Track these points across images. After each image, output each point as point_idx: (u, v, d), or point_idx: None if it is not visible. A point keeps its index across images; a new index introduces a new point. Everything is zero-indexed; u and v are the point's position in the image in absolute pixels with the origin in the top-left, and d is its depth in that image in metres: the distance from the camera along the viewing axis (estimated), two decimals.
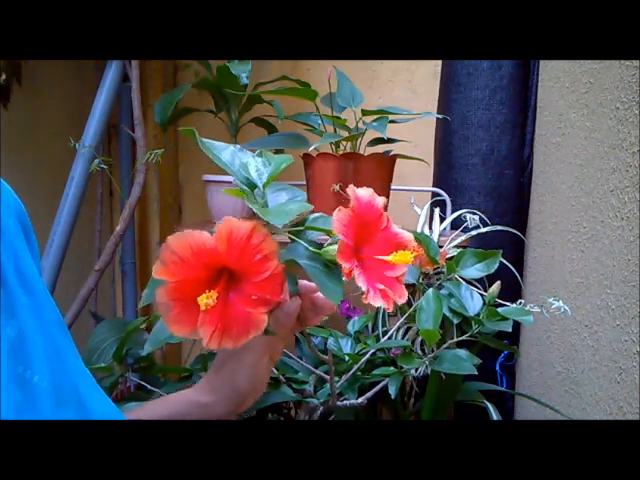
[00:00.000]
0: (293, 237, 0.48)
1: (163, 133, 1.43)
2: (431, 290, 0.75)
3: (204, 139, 0.47)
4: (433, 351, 0.76)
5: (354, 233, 0.47)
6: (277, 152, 1.37)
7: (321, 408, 0.76)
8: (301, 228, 0.49)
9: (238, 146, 0.50)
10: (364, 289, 0.45)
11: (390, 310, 0.47)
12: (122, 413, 0.46)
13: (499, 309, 0.77)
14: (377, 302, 0.46)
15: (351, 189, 0.48)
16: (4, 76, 1.29)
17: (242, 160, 0.49)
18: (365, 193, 0.50)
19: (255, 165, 0.49)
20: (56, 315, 0.43)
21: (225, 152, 0.49)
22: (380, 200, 0.51)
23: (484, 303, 0.78)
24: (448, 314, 0.77)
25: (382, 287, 0.47)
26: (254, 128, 1.39)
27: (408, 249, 0.50)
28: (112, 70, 1.23)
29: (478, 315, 0.76)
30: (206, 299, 0.42)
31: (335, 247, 0.45)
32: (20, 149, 1.38)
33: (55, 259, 1.16)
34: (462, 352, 0.74)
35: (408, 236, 0.51)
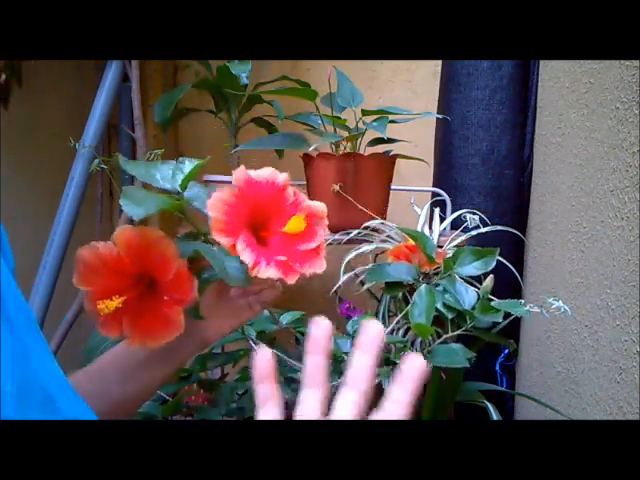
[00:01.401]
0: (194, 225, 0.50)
1: (163, 133, 1.43)
2: (424, 285, 0.74)
3: (138, 162, 0.50)
4: (429, 345, 0.76)
5: (247, 212, 0.47)
6: (277, 152, 1.38)
7: None
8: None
9: (169, 161, 0.52)
10: (249, 263, 0.45)
11: (291, 281, 0.46)
12: (93, 413, 0.46)
13: (493, 302, 0.77)
14: (267, 273, 0.45)
15: (238, 170, 0.48)
16: (4, 76, 1.29)
17: (167, 171, 0.51)
18: (262, 172, 0.50)
19: (178, 172, 0.51)
20: (24, 314, 0.43)
21: (157, 168, 0.51)
22: (282, 176, 0.50)
23: (479, 298, 0.78)
24: (442, 309, 0.76)
25: (283, 259, 0.47)
26: (254, 128, 1.39)
27: (320, 221, 0.50)
28: (112, 70, 1.23)
29: (473, 309, 0.76)
30: (107, 304, 0.45)
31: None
32: (20, 149, 1.38)
33: (55, 259, 1.16)
34: (456, 346, 0.74)
35: (320, 206, 0.51)
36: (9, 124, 1.33)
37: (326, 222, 0.51)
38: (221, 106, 1.36)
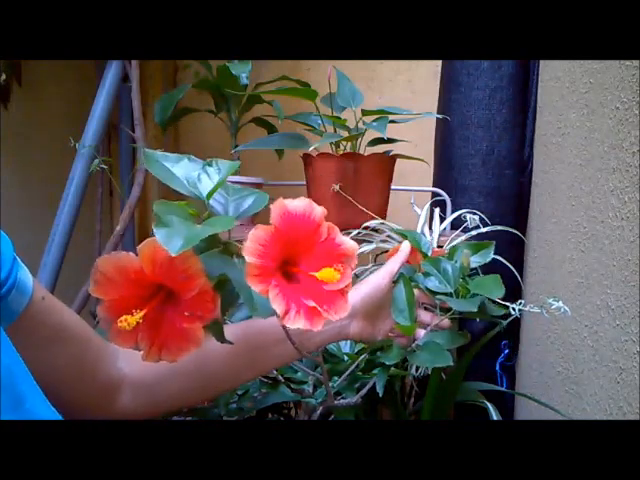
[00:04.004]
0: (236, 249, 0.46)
1: (163, 133, 1.43)
2: (400, 275, 0.71)
3: (154, 152, 0.48)
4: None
5: (279, 250, 0.45)
6: (277, 152, 1.38)
7: (320, 408, 0.75)
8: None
9: (191, 156, 0.49)
10: (279, 312, 0.43)
11: (316, 329, 0.44)
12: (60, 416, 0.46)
13: (471, 283, 0.74)
14: (297, 324, 0.43)
15: (277, 205, 0.45)
16: (4, 76, 1.29)
17: (191, 173, 0.48)
18: (299, 205, 0.47)
19: (205, 176, 0.48)
20: None
21: (179, 165, 0.48)
22: (319, 211, 0.47)
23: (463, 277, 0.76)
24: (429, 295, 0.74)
25: (312, 304, 0.45)
26: (254, 128, 1.39)
27: (350, 260, 0.48)
28: (112, 70, 1.23)
29: (457, 292, 0.74)
30: (129, 319, 0.43)
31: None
32: (20, 149, 1.38)
33: (55, 259, 1.16)
34: (445, 335, 0.72)
35: (351, 246, 0.49)
36: (9, 124, 1.33)
37: (355, 262, 0.49)
38: (221, 106, 1.36)
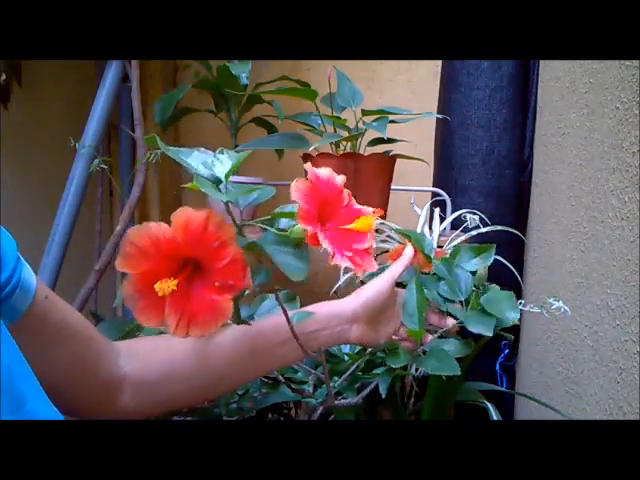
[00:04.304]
0: (263, 226, 0.50)
1: (163, 133, 1.43)
2: (414, 279, 0.71)
3: (169, 147, 0.48)
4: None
5: (315, 205, 0.49)
6: (277, 152, 1.38)
7: (320, 408, 0.75)
8: (269, 217, 0.52)
9: (202, 149, 0.51)
10: (330, 251, 0.47)
11: (359, 275, 0.50)
12: (62, 416, 0.46)
13: (483, 298, 0.74)
14: (344, 263, 0.48)
15: (308, 167, 0.50)
16: (4, 76, 1.29)
17: (205, 159, 0.50)
18: (324, 172, 0.52)
19: (218, 162, 0.50)
20: None
21: (191, 157, 0.50)
22: (340, 178, 0.53)
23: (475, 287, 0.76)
24: (439, 301, 0.74)
25: (350, 254, 0.49)
26: (254, 128, 1.39)
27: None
28: (112, 70, 1.23)
29: (468, 301, 0.74)
30: (163, 285, 0.43)
31: (300, 226, 0.47)
32: (20, 149, 1.38)
33: (55, 259, 1.16)
34: (451, 347, 0.72)
35: (369, 211, 0.54)
36: (9, 124, 1.33)
37: (375, 226, 0.53)
38: (221, 106, 1.36)
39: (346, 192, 0.53)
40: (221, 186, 0.48)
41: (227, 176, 0.48)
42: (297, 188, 0.48)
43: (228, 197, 0.46)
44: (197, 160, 0.50)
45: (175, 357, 0.58)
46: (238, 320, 0.50)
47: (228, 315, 0.45)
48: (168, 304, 0.45)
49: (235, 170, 0.49)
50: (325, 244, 0.47)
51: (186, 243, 0.44)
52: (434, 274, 0.76)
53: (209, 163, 0.49)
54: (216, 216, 0.44)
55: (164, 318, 0.46)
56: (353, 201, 0.53)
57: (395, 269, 0.69)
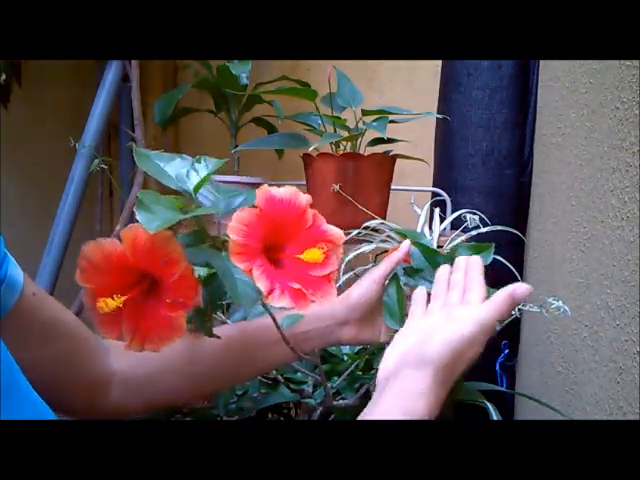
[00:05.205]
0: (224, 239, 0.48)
1: (163, 133, 1.43)
2: (391, 279, 0.68)
3: (149, 152, 0.49)
4: None
5: (264, 233, 0.46)
6: (277, 152, 1.38)
7: (320, 408, 0.75)
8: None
9: (183, 155, 0.51)
10: (264, 290, 0.44)
11: (302, 309, 0.46)
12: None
13: None
14: (280, 303, 0.45)
15: (261, 190, 0.47)
16: (4, 76, 1.29)
17: (180, 170, 0.49)
18: (284, 192, 0.48)
19: (193, 172, 0.50)
20: None
21: (171, 164, 0.50)
22: (303, 198, 0.49)
23: None
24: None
25: (296, 286, 0.46)
26: (254, 128, 1.39)
27: (336, 248, 0.50)
28: (112, 70, 1.23)
29: None
30: (107, 302, 0.44)
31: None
32: (20, 149, 1.38)
33: (55, 259, 1.16)
34: None
35: (337, 233, 0.51)
36: (9, 124, 1.33)
37: (342, 251, 0.50)
38: (221, 106, 1.36)
39: (311, 212, 0.50)
40: (197, 195, 0.48)
41: (197, 188, 0.48)
42: (238, 219, 0.45)
43: (161, 225, 0.43)
44: (176, 169, 0.50)
45: (165, 355, 0.58)
46: (209, 333, 0.50)
47: (182, 332, 0.46)
48: (124, 319, 0.46)
49: (207, 180, 0.48)
50: (260, 282, 0.44)
51: (135, 259, 0.45)
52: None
53: (183, 174, 0.49)
54: (163, 232, 0.44)
55: (121, 331, 0.46)
56: (320, 221, 0.50)
57: (385, 266, 0.67)
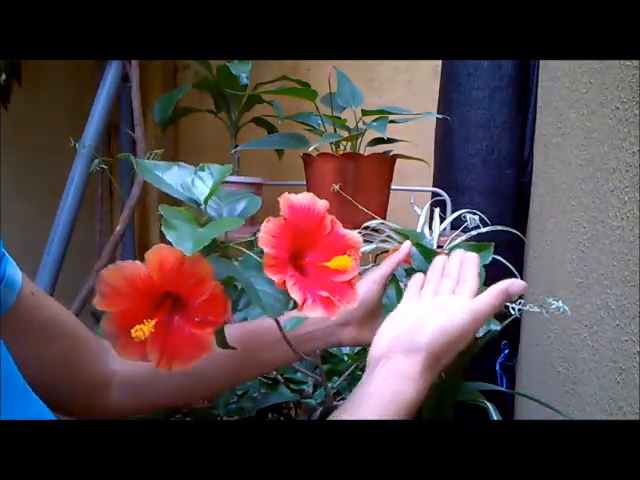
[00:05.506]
0: (243, 249, 0.47)
1: (163, 133, 1.43)
2: (391, 281, 0.68)
3: (143, 161, 0.48)
4: None
5: (290, 242, 0.46)
6: (277, 152, 1.38)
7: (320, 408, 0.76)
8: (250, 238, 0.47)
9: (181, 163, 0.49)
10: (298, 301, 0.44)
11: (334, 317, 0.45)
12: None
13: None
14: (314, 313, 0.44)
15: (283, 198, 0.46)
16: (4, 76, 1.29)
17: (184, 179, 0.48)
18: (303, 199, 0.48)
19: (199, 181, 0.48)
20: None
21: (169, 173, 0.49)
22: (322, 204, 0.49)
23: None
24: None
25: (325, 294, 0.46)
26: (254, 128, 1.39)
27: (356, 251, 0.49)
28: (112, 70, 1.23)
29: None
30: (142, 329, 0.42)
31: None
32: (20, 149, 1.38)
33: (55, 259, 1.16)
34: None
35: (356, 238, 0.50)
36: (9, 124, 1.33)
37: (360, 252, 0.50)
38: (221, 106, 1.36)
39: (329, 218, 0.49)
40: (203, 208, 0.47)
41: (207, 199, 0.47)
42: (267, 230, 0.44)
43: (195, 247, 0.41)
44: (176, 178, 0.48)
45: None
46: (225, 345, 0.49)
47: (210, 349, 0.45)
48: (149, 339, 0.44)
49: (217, 189, 0.47)
50: (294, 293, 0.43)
51: (162, 281, 0.44)
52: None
53: (188, 183, 0.47)
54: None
55: (146, 352, 0.45)
56: (338, 226, 0.50)
57: (385, 267, 0.67)
